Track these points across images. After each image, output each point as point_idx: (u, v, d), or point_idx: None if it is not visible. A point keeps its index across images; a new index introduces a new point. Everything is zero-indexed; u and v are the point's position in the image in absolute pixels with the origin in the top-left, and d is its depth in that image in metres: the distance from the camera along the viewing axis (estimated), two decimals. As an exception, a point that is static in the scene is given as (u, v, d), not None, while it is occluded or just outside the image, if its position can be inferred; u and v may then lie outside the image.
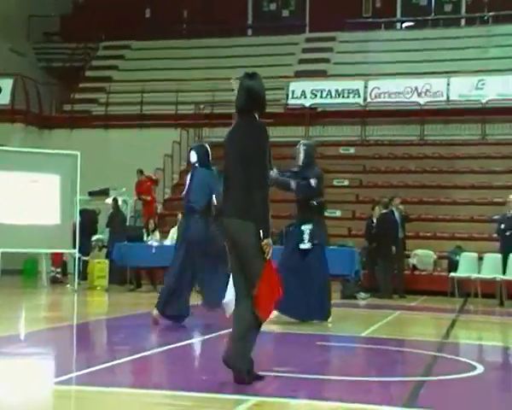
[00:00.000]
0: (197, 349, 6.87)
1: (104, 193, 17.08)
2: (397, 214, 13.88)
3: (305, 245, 8.24)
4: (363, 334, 7.87)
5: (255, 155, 4.69)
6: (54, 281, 14.76)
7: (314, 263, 8.27)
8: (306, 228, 8.28)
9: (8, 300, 11.62)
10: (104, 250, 15.35)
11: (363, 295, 13.07)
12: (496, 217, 13.69)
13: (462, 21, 23.52)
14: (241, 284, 4.69)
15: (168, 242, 13.97)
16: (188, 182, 8.11)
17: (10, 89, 19.43)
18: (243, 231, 4.61)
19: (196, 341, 7.07)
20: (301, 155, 8.44)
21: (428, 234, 15.67)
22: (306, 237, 8.27)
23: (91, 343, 7.32)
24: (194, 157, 8.14)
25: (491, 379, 5.51)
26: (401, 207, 14.18)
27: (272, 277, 4.63)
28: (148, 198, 16.35)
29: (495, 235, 13.34)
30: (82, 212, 14.49)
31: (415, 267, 14.88)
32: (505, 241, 12.71)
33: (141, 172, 16.29)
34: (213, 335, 7.29)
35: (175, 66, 21.92)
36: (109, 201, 15.89)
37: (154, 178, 17.06)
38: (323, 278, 8.34)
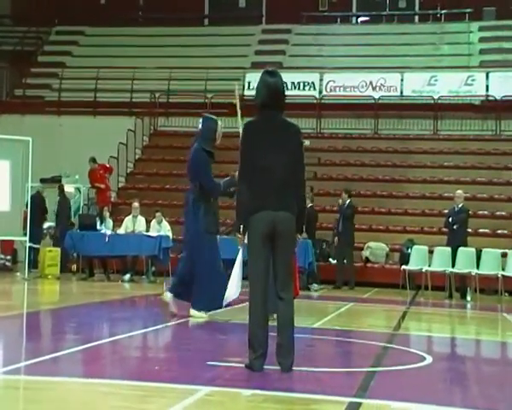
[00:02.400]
0: (150, 339, 6.82)
1: (56, 180, 16.81)
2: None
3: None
4: (315, 325, 7.92)
5: (299, 154, 4.97)
6: (3, 269, 14.47)
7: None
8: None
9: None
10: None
11: (315, 286, 13.18)
12: (446, 211, 13.96)
13: (416, 18, 23.85)
14: (284, 273, 4.86)
15: (122, 230, 13.84)
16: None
17: (-41, 72, 18.90)
18: (291, 223, 4.86)
19: (150, 330, 7.01)
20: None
21: (381, 227, 15.89)
22: None
23: (41, 333, 7.20)
24: (199, 125, 7.76)
25: (440, 369, 5.62)
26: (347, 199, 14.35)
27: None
28: (102, 186, 16.16)
29: (444, 229, 13.60)
30: (33, 199, 14.22)
31: (367, 260, 15.06)
32: (453, 234, 12.97)
33: (93, 160, 16.07)
34: (169, 324, 7.25)
35: (130, 53, 21.65)
36: (67, 189, 15.69)
37: (107, 166, 16.85)
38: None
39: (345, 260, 14.04)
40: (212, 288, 7.33)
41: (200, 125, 7.78)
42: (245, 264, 5.15)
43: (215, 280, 7.34)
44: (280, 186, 4.84)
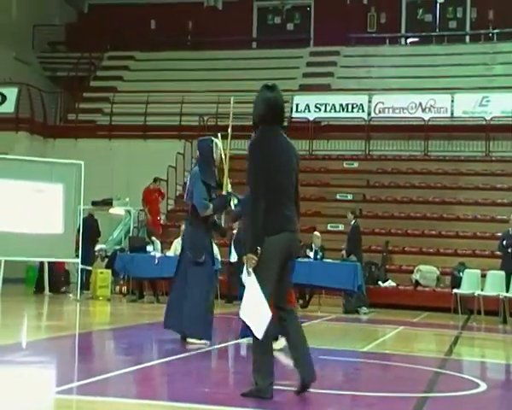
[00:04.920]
0: (200, 361, 6.87)
1: (107, 203, 17.14)
2: (349, 228, 14.14)
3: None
4: (365, 349, 7.86)
5: (297, 171, 4.89)
6: (57, 290, 14.77)
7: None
8: None
9: (10, 308, 11.64)
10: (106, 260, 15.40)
11: (365, 309, 13.06)
12: (499, 234, 13.70)
13: (467, 38, 23.62)
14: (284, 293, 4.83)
15: (171, 253, 13.99)
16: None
17: (15, 97, 19.51)
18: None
19: (200, 352, 7.06)
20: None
21: (431, 250, 15.68)
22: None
23: (93, 353, 7.32)
24: (197, 151, 7.72)
25: (495, 397, 5.51)
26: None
27: None
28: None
29: (497, 252, 13.35)
30: (85, 221, 14.53)
31: (418, 283, 14.88)
32: (507, 258, 12.72)
33: (155, 180, 16.45)
34: (218, 346, 7.30)
35: (179, 77, 22.02)
36: (114, 211, 15.96)
37: (162, 191, 17.13)
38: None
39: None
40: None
41: (197, 151, 7.72)
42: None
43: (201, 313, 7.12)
44: (293, 207, 4.81)
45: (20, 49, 22.27)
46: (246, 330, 7.17)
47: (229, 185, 7.49)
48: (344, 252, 13.89)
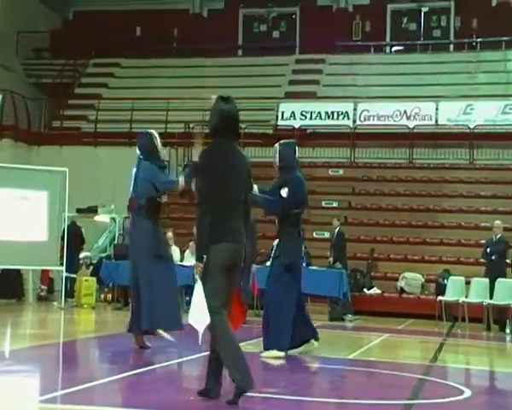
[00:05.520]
0: (185, 369, 6.85)
1: (92, 210, 17.07)
2: (334, 235, 14.23)
3: (268, 262, 7.74)
4: (350, 356, 7.88)
5: (249, 181, 4.98)
6: (40, 298, 14.69)
7: (270, 283, 7.40)
8: (274, 243, 7.65)
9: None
10: (91, 268, 15.33)
11: (350, 317, 13.09)
12: (483, 241, 13.79)
13: (451, 46, 23.82)
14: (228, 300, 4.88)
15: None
16: (133, 177, 7.60)
17: (-1, 104, 19.41)
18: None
19: (185, 360, 7.05)
20: (276, 158, 7.49)
21: (416, 257, 15.75)
22: (273, 252, 7.66)
23: (77, 362, 7.29)
24: (137, 150, 7.65)
25: (479, 403, 5.55)
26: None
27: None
28: None
29: (481, 259, 13.44)
30: (69, 228, 14.46)
31: (402, 290, 14.94)
32: (491, 265, 12.81)
33: None
34: (200, 355, 7.29)
35: (165, 84, 22.01)
36: (99, 218, 15.87)
37: None
38: (277, 301, 7.21)
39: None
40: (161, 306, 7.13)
41: (137, 149, 7.65)
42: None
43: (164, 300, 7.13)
44: (240, 218, 4.88)
45: (4, 56, 22.15)
46: (269, 343, 7.19)
47: None
48: (331, 259, 13.93)
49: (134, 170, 7.67)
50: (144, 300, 7.18)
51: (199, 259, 4.85)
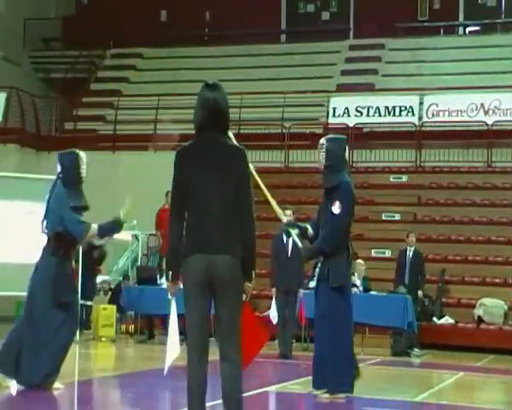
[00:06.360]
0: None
1: (111, 226, 17.29)
2: (409, 254, 14.07)
3: (313, 283, 7.45)
4: (418, 399, 7.85)
5: (245, 184, 4.80)
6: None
7: (320, 311, 7.37)
8: (319, 260, 7.49)
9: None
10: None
11: (417, 351, 13.01)
12: None
13: (539, 25, 23.55)
14: (228, 330, 4.79)
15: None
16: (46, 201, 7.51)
17: (3, 104, 19.81)
18: (232, 268, 4.73)
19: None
20: (322, 156, 7.45)
21: (497, 280, 15.56)
22: (317, 271, 7.48)
23: (95, 405, 7.40)
24: (58, 166, 7.54)
25: None
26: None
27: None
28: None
29: None
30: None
31: (481, 320, 14.78)
32: None
33: (167, 194, 16.52)
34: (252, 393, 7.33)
35: (194, 77, 22.17)
36: (119, 236, 16.03)
37: None
38: (331, 332, 7.23)
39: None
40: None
41: (58, 165, 7.52)
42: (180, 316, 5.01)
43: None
44: (218, 223, 4.73)
45: (9, 48, 22.66)
46: (320, 382, 7.22)
47: (287, 212, 7.43)
48: (402, 288, 13.74)
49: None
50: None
51: (167, 277, 4.94)
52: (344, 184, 7.36)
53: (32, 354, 7.15)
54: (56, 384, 7.34)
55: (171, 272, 4.87)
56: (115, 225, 7.55)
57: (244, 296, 4.86)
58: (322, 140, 7.57)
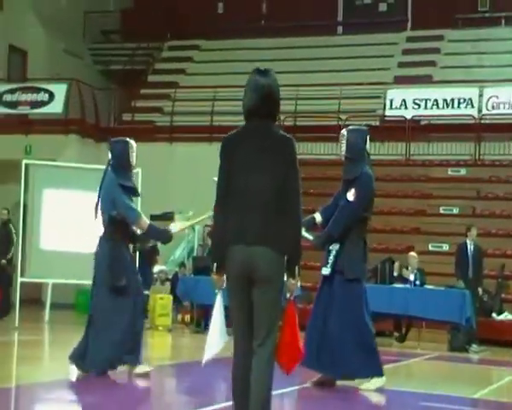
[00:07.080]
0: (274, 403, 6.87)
1: (168, 217, 17.37)
2: (471, 248, 13.71)
3: (326, 270, 7.28)
4: (477, 395, 7.71)
5: (293, 174, 4.60)
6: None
7: (333, 298, 7.26)
8: (334, 248, 7.30)
9: (58, 337, 11.95)
10: (167, 284, 15.64)
11: (475, 347, 12.81)
12: None
13: None
14: (262, 325, 4.60)
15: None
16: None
17: (64, 96, 20.04)
18: (272, 262, 4.52)
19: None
20: (343, 147, 7.38)
21: None
22: (331, 259, 7.28)
23: (150, 394, 7.44)
24: (109, 154, 7.70)
25: None
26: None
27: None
28: None
29: None
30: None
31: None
32: None
33: None
34: (298, 387, 7.30)
35: (250, 69, 21.91)
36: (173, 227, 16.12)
37: None
38: (342, 321, 7.18)
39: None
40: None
41: (109, 153, 7.67)
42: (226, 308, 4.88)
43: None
44: (259, 215, 4.52)
45: (70, 41, 23.00)
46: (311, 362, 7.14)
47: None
48: (461, 282, 13.46)
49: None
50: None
51: (212, 269, 4.78)
52: (364, 175, 7.29)
53: (95, 341, 7.25)
54: (145, 368, 7.47)
55: (215, 264, 4.72)
56: (163, 236, 7.63)
57: (288, 294, 4.65)
58: (344, 131, 7.53)
